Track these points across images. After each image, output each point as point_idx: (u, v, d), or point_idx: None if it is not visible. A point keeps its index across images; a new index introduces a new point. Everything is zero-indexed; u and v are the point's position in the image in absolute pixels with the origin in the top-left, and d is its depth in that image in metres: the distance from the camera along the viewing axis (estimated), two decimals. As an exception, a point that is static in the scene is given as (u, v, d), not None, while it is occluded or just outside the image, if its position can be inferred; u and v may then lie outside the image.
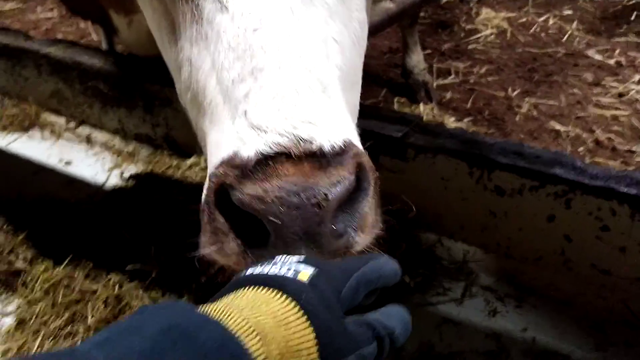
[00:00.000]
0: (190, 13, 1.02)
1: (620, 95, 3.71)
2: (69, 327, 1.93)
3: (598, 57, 4.08)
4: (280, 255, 0.78)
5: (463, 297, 1.97)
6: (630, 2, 4.64)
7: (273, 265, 0.75)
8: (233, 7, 0.96)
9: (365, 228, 0.89)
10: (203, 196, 0.92)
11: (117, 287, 2.02)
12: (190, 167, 2.52)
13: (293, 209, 0.79)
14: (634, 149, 3.24)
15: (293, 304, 0.67)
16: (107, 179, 2.69)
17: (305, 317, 0.67)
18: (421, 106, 3.59)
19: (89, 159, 2.87)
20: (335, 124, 0.89)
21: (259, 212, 0.80)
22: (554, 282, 1.92)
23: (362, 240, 0.89)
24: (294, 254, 0.81)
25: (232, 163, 0.84)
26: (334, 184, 0.82)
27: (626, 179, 1.71)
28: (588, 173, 1.76)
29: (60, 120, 3.15)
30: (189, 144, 2.65)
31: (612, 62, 4.02)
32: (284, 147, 0.82)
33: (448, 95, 3.79)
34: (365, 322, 0.75)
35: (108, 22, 2.64)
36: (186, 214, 2.21)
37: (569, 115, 3.56)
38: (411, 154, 1.99)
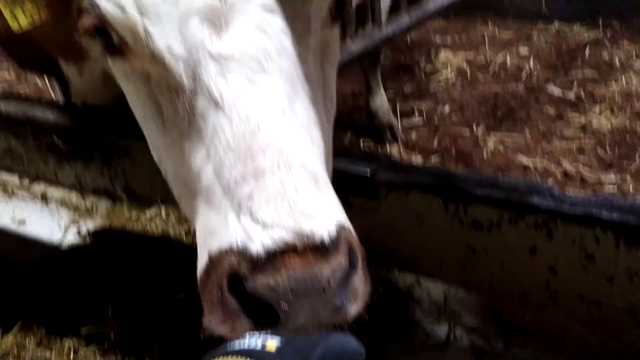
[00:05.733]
0: (180, 105, 1.10)
1: (584, 127, 3.74)
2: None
3: (558, 91, 4.12)
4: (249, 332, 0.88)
5: (447, 340, 1.86)
6: (583, 39, 4.75)
7: (242, 340, 0.84)
8: (229, 108, 1.03)
9: (357, 299, 0.99)
10: (200, 275, 1.01)
11: (72, 353, 1.85)
12: (150, 219, 2.38)
13: (302, 295, 0.89)
14: (602, 179, 3.23)
15: None
16: (64, 237, 2.54)
17: None
18: (387, 147, 3.54)
19: (45, 217, 2.72)
20: (328, 212, 0.98)
21: (271, 300, 0.89)
22: (541, 317, 1.83)
23: (354, 309, 0.99)
24: (299, 329, 0.92)
25: (243, 255, 0.92)
26: (334, 269, 0.92)
27: (607, 205, 1.64)
28: (567, 200, 1.69)
29: (13, 178, 2.99)
30: (148, 195, 2.52)
31: (571, 95, 4.07)
32: (289, 243, 0.91)
33: (413, 135, 3.76)
34: None
35: (60, 74, 2.54)
36: (147, 270, 2.07)
37: (535, 148, 3.56)
38: (383, 192, 1.90)
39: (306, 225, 0.93)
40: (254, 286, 0.89)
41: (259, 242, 0.92)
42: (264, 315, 0.92)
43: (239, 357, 0.76)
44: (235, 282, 0.93)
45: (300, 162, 1.00)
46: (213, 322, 0.97)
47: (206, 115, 1.05)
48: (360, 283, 1.00)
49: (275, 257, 0.90)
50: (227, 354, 0.78)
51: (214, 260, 0.98)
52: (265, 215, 0.93)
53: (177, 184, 1.22)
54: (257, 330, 0.92)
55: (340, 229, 0.97)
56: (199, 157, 1.08)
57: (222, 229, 0.99)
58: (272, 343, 0.80)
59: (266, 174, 0.97)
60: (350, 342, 0.89)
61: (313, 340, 0.85)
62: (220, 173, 1.02)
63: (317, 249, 0.92)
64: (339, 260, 0.93)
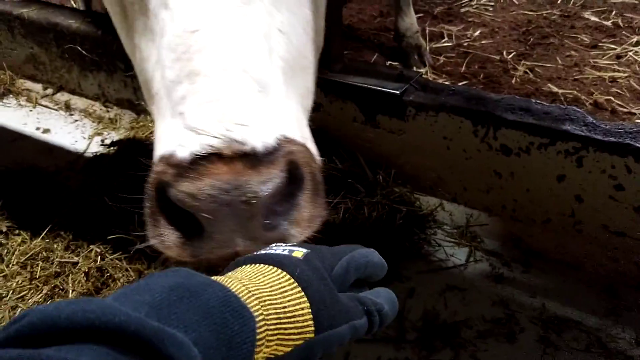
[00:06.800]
0: (138, 4, 1.04)
1: (618, 57, 3.61)
2: (48, 302, 1.81)
3: (594, 18, 3.96)
4: (276, 244, 0.86)
5: (467, 262, 1.87)
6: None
7: (269, 249, 0.82)
8: (174, 4, 0.96)
9: (301, 221, 0.93)
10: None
11: (99, 258, 1.90)
12: (175, 131, 2.37)
13: (224, 205, 0.83)
14: (633, 110, 3.14)
15: (288, 276, 0.73)
16: (88, 146, 2.55)
17: (300, 287, 0.72)
18: (414, 70, 3.46)
19: (68, 126, 2.73)
20: (269, 122, 0.91)
21: (192, 208, 0.84)
22: (562, 245, 1.83)
23: (298, 233, 0.93)
24: (229, 245, 0.88)
25: (170, 161, 0.87)
26: (264, 181, 0.85)
27: (642, 134, 1.61)
28: (601, 129, 1.66)
29: (37, 87, 2.99)
30: (173, 108, 2.50)
31: (609, 23, 3.91)
32: (217, 148, 0.85)
33: (442, 59, 3.67)
34: (355, 298, 0.81)
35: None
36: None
37: (566, 77, 3.46)
38: (411, 113, 1.87)
39: (238, 132, 0.86)
40: (176, 194, 0.85)
41: (185, 147, 0.86)
42: (194, 226, 0.88)
43: (265, 264, 0.76)
44: (164, 192, 0.88)
45: (242, 66, 0.92)
46: (149, 234, 0.93)
47: (157, 13, 0.99)
48: (307, 204, 0.93)
49: (201, 163, 0.85)
50: (254, 261, 0.77)
51: (153, 169, 0.93)
52: (195, 120, 0.88)
53: (143, 92, 1.15)
54: (182, 241, 0.89)
55: (284, 141, 0.89)
56: (152, 62, 1.03)
57: (160, 136, 0.95)
58: (300, 251, 0.80)
59: (200, 77, 0.90)
60: (374, 256, 0.89)
61: (338, 252, 0.85)
62: (163, 75, 0.97)
63: (248, 158, 0.85)
64: (272, 172, 0.86)
